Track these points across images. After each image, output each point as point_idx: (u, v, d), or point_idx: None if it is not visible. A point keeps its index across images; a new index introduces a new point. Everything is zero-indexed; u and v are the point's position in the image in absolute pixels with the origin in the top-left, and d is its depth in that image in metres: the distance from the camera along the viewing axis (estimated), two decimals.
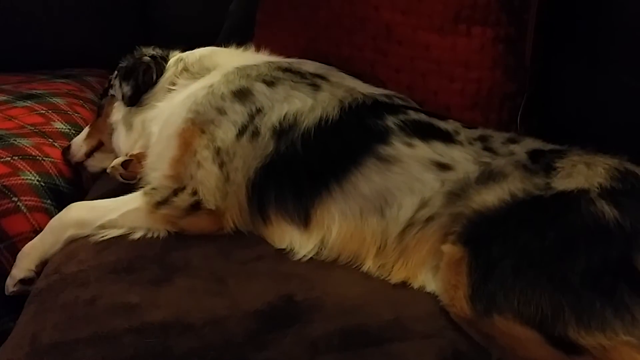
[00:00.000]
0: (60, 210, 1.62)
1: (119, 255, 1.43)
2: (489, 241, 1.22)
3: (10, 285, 1.56)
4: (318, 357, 1.15)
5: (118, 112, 1.83)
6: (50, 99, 2.20)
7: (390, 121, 1.47)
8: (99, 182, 1.88)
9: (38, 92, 2.25)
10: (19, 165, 1.77)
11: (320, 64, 1.74)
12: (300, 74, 1.65)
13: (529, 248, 1.18)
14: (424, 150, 1.42)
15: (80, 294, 1.31)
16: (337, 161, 1.45)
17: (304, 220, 1.45)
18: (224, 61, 1.78)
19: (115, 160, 1.74)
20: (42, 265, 1.53)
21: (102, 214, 1.53)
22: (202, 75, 1.75)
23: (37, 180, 1.76)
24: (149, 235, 1.50)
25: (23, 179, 1.73)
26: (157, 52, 1.87)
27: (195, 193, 1.51)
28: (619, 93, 1.67)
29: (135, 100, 1.78)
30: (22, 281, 1.54)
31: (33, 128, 1.97)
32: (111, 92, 1.89)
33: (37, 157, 1.83)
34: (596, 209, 1.19)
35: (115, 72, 1.86)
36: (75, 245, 1.51)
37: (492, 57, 1.71)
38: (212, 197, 1.50)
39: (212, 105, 1.58)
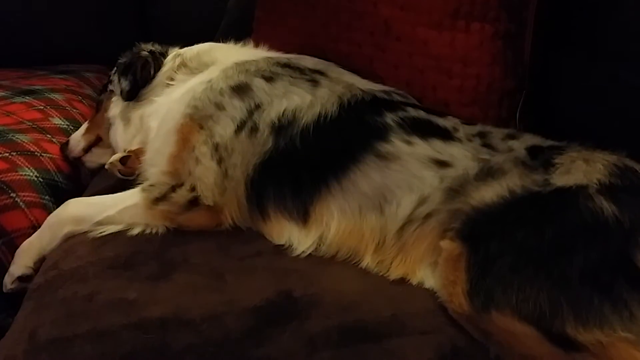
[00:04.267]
0: (58, 206, 1.62)
1: (117, 251, 1.43)
2: (487, 237, 1.22)
3: (8, 282, 1.55)
4: (316, 353, 1.15)
5: (116, 106, 1.83)
6: (49, 95, 2.20)
7: (389, 118, 1.47)
8: (97, 178, 1.88)
9: (36, 87, 2.24)
10: (17, 161, 1.76)
11: (319, 60, 1.74)
12: (299, 70, 1.65)
13: (527, 244, 1.18)
14: (423, 147, 1.42)
15: (78, 289, 1.31)
16: (336, 158, 1.45)
17: (303, 217, 1.45)
18: (223, 56, 1.77)
19: (113, 156, 1.74)
20: (41, 262, 1.52)
21: (100, 210, 1.53)
22: (200, 70, 1.75)
23: (36, 176, 1.76)
24: (148, 231, 1.50)
25: (21, 175, 1.73)
26: (155, 47, 1.87)
27: (193, 189, 1.50)
28: (618, 89, 1.67)
29: (133, 95, 1.78)
30: (20, 278, 1.54)
31: (31, 124, 1.97)
32: (110, 87, 1.89)
33: (36, 153, 1.83)
34: (595, 205, 1.19)
35: (115, 68, 1.86)
36: (74, 241, 1.51)
37: (491, 53, 1.71)
38: (210, 193, 1.50)
39: (210, 101, 1.57)
